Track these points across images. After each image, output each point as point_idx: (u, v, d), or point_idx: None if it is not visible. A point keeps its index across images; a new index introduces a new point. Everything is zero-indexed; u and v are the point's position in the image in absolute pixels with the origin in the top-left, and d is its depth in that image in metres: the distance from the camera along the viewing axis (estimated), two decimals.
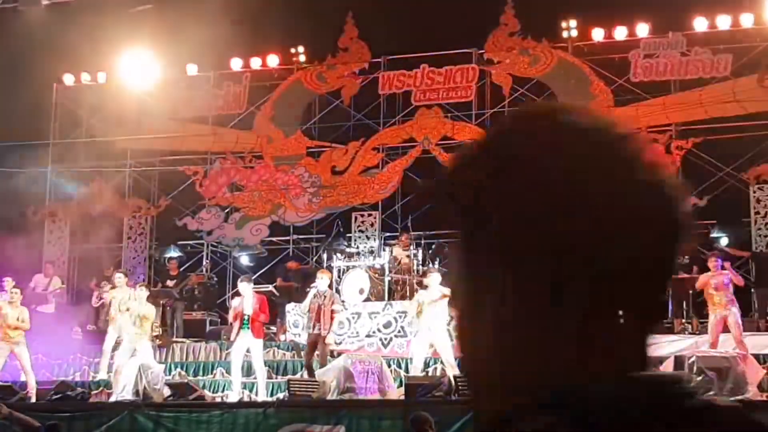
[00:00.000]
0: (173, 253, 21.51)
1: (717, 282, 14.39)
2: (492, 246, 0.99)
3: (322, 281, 15.13)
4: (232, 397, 14.78)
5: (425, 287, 15.11)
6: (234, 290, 21.50)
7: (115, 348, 16.14)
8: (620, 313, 0.97)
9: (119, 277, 16.82)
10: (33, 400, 14.86)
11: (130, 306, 15.51)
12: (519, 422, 0.91)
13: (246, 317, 14.71)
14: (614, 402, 0.90)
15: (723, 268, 14.76)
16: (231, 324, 15.42)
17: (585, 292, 0.96)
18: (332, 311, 14.82)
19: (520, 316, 0.97)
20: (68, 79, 23.17)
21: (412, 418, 10.40)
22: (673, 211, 1.02)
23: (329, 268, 17.43)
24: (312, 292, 15.17)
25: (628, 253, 0.97)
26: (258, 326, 14.91)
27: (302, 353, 16.40)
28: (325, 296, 14.92)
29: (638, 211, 0.99)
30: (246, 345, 14.87)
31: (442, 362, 14.71)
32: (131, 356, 15.23)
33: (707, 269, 15.18)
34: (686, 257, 17.62)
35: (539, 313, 0.97)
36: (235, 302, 15.38)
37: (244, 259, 21.82)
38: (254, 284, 16.43)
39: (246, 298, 14.89)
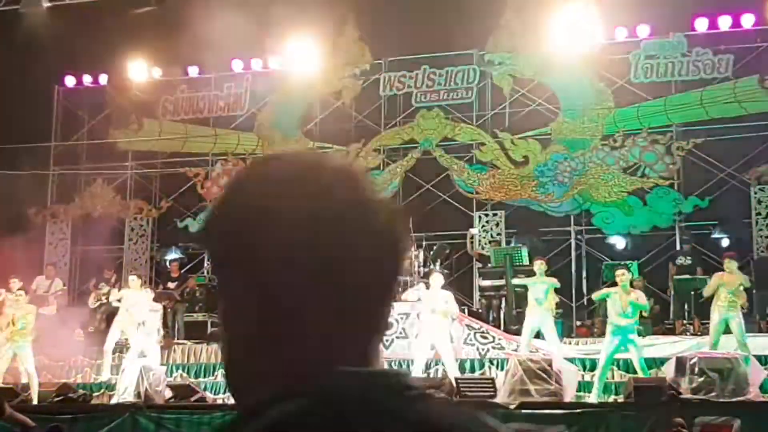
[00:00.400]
0: (174, 254, 21.52)
1: (730, 281, 14.28)
2: (235, 276, 1.20)
3: None
4: None
5: (428, 288, 15.12)
6: None
7: (118, 350, 16.15)
8: (346, 321, 1.17)
9: (133, 280, 16.86)
10: (35, 402, 14.87)
11: (139, 308, 15.55)
12: (274, 407, 1.10)
13: None
14: (340, 391, 1.11)
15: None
16: None
17: (314, 307, 1.16)
18: None
19: (264, 328, 1.18)
20: (70, 80, 23.20)
21: None
22: (385, 231, 1.20)
23: None
24: None
25: (348, 271, 1.16)
26: None
27: None
28: None
29: (351, 235, 1.17)
30: None
31: (443, 364, 14.72)
32: (139, 358, 15.28)
33: (710, 271, 15.16)
34: (689, 258, 17.65)
35: (278, 324, 1.17)
36: None
37: None
38: None
39: None
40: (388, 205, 1.24)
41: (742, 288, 14.23)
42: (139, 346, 15.49)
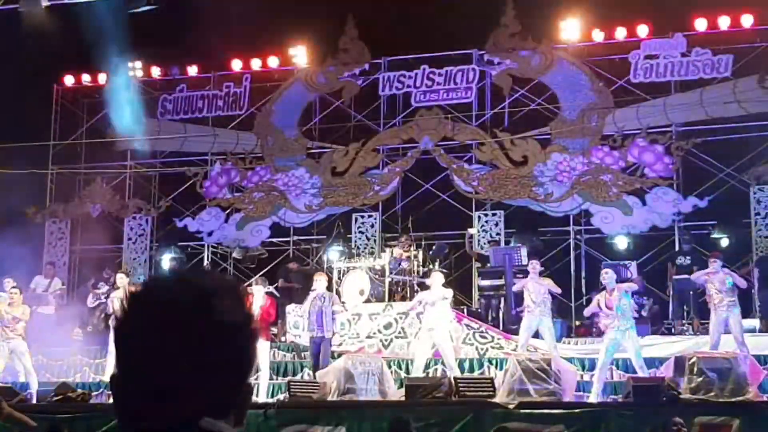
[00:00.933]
0: (173, 254, 21.51)
1: (717, 280, 14.32)
2: None
3: (319, 283, 15.15)
4: (260, 398, 14.70)
5: (427, 288, 15.11)
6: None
7: None
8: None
9: (121, 277, 16.81)
10: (34, 401, 14.84)
11: None
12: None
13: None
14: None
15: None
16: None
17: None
18: (333, 312, 14.87)
19: None
20: (68, 79, 23.20)
21: (393, 420, 10.42)
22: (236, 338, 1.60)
23: (329, 270, 17.43)
24: (311, 295, 15.18)
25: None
26: (264, 328, 14.93)
27: (304, 355, 16.40)
28: (324, 298, 14.94)
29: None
30: None
31: (443, 363, 14.71)
32: None
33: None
34: (688, 258, 17.64)
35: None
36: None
37: (245, 259, 21.75)
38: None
39: (256, 299, 14.90)
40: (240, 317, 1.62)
41: (730, 285, 14.24)
42: None
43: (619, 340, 13.51)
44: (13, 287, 15.95)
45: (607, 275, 13.93)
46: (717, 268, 14.41)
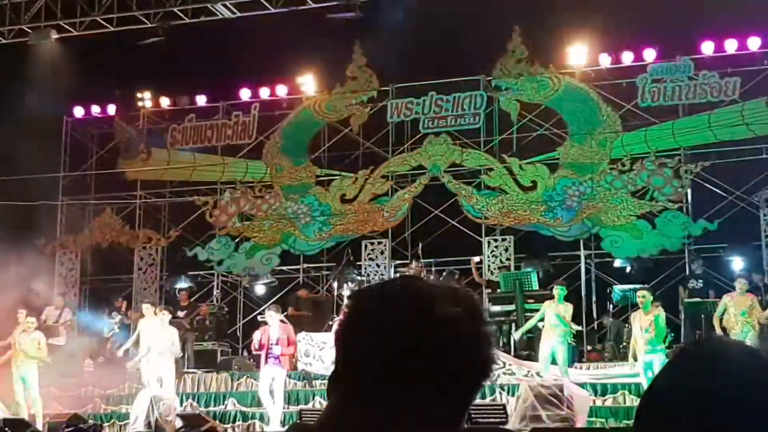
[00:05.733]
0: (184, 283, 21.53)
1: (739, 303, 14.32)
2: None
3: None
4: (273, 427, 14.71)
5: None
6: (246, 319, 21.55)
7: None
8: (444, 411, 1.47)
9: (146, 308, 16.87)
10: (39, 428, 14.85)
11: (157, 334, 15.64)
12: None
13: (271, 347, 14.80)
14: None
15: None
16: (254, 353, 15.47)
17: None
18: None
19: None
20: (78, 111, 23.30)
21: None
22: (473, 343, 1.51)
23: (339, 297, 17.41)
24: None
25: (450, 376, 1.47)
26: (286, 358, 15.02)
27: (315, 383, 16.36)
28: None
29: (449, 347, 1.47)
30: (272, 375, 14.95)
31: None
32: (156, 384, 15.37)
33: (721, 294, 15.14)
34: (700, 281, 17.60)
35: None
36: (256, 334, 15.44)
37: (260, 289, 21.76)
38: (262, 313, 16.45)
39: (272, 327, 14.91)
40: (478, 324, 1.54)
41: (751, 307, 14.23)
42: (158, 373, 15.57)
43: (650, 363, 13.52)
44: (27, 316, 16.13)
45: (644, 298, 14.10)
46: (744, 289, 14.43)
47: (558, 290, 15.17)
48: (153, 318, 16.36)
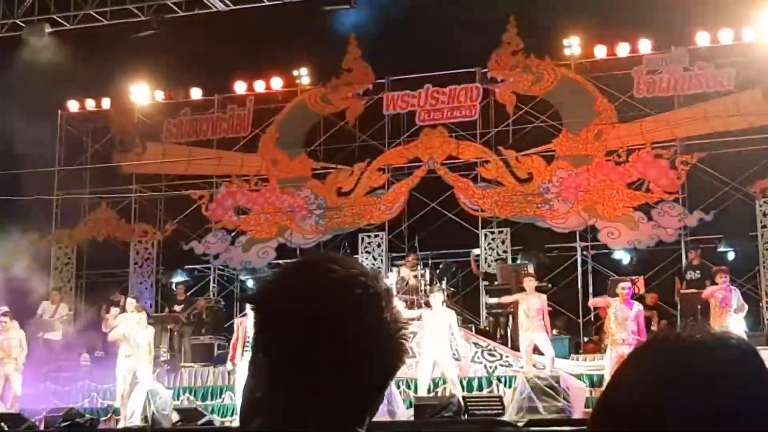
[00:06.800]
0: (180, 277, 21.51)
1: (723, 296, 14.36)
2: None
3: None
4: None
5: (430, 306, 15.09)
6: (242, 313, 21.51)
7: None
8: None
9: (130, 302, 16.79)
10: (42, 427, 14.84)
11: (133, 330, 15.53)
12: None
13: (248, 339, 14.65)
14: None
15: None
16: (233, 346, 15.21)
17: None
18: None
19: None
20: (72, 105, 23.25)
21: None
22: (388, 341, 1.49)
23: None
24: None
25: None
26: None
27: None
28: None
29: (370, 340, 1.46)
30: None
31: (448, 381, 14.67)
32: (133, 381, 15.25)
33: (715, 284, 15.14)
34: (697, 272, 17.61)
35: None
36: (236, 324, 15.35)
37: (251, 283, 21.76)
38: None
39: (249, 319, 14.79)
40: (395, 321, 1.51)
41: (738, 299, 14.29)
42: (133, 369, 15.45)
43: None
44: (3, 314, 16.17)
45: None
46: (725, 282, 14.43)
47: (530, 282, 15.26)
48: (133, 314, 16.18)
